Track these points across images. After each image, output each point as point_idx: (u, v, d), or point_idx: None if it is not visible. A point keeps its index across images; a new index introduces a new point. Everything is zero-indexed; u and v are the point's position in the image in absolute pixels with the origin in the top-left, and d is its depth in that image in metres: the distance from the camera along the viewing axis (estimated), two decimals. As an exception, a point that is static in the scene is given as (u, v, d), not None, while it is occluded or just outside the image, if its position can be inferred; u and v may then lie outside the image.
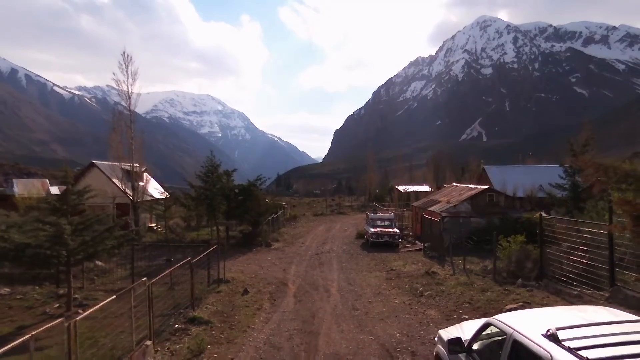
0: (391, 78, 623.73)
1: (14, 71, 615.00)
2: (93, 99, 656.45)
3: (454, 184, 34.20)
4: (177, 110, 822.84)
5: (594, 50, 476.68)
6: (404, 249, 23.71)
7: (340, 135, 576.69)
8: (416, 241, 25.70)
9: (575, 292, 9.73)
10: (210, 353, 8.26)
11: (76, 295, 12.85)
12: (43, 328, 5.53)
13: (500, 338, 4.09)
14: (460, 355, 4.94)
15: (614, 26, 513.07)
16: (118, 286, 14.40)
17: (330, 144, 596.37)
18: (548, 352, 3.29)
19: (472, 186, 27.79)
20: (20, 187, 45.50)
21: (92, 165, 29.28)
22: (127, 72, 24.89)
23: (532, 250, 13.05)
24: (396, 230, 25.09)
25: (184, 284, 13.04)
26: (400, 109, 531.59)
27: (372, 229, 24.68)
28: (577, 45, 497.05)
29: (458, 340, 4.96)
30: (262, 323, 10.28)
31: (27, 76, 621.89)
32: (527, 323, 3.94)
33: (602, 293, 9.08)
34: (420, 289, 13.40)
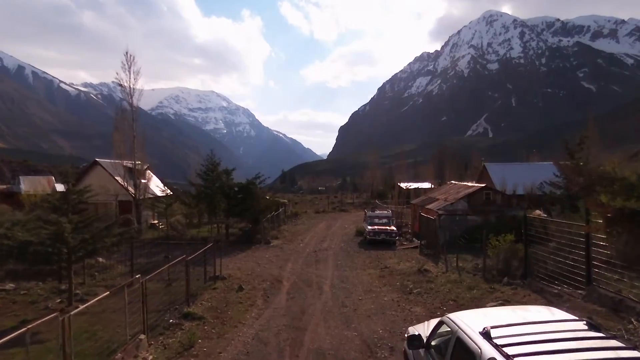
0: (396, 74, 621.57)
1: (20, 68, 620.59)
2: (99, 95, 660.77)
3: (452, 181, 34.40)
4: (182, 107, 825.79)
5: (602, 45, 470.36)
6: (401, 246, 23.99)
7: (345, 132, 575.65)
8: (414, 239, 26.00)
9: (556, 291, 10.02)
10: (201, 347, 8.67)
11: (77, 291, 13.36)
12: (38, 322, 5.94)
13: (449, 335, 4.43)
14: (420, 350, 5.28)
15: (623, 20, 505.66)
16: (118, 282, 14.89)
17: (335, 140, 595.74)
18: (479, 347, 3.66)
19: (469, 184, 28.01)
20: (26, 185, 46.30)
21: (96, 163, 29.86)
22: (129, 71, 25.37)
23: (519, 249, 13.30)
24: (393, 227, 25.35)
25: (182, 281, 13.47)
26: (406, 105, 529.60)
27: (369, 227, 24.98)
28: (585, 39, 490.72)
29: (417, 337, 5.33)
30: (254, 319, 10.68)
31: (34, 73, 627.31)
32: (470, 322, 4.26)
33: (580, 292, 9.38)
34: (411, 286, 13.75)
